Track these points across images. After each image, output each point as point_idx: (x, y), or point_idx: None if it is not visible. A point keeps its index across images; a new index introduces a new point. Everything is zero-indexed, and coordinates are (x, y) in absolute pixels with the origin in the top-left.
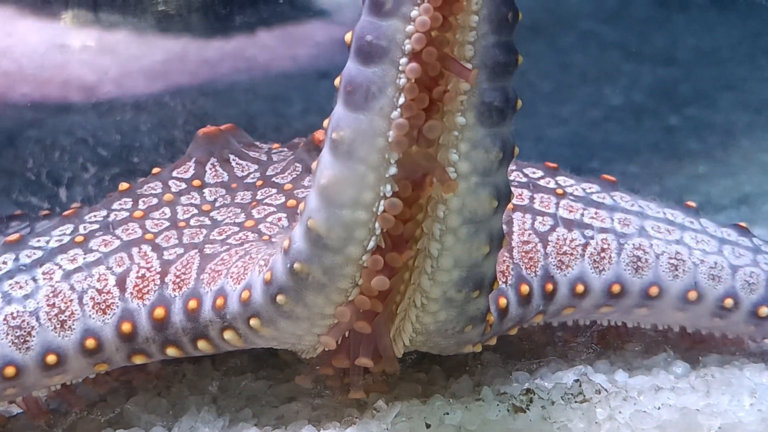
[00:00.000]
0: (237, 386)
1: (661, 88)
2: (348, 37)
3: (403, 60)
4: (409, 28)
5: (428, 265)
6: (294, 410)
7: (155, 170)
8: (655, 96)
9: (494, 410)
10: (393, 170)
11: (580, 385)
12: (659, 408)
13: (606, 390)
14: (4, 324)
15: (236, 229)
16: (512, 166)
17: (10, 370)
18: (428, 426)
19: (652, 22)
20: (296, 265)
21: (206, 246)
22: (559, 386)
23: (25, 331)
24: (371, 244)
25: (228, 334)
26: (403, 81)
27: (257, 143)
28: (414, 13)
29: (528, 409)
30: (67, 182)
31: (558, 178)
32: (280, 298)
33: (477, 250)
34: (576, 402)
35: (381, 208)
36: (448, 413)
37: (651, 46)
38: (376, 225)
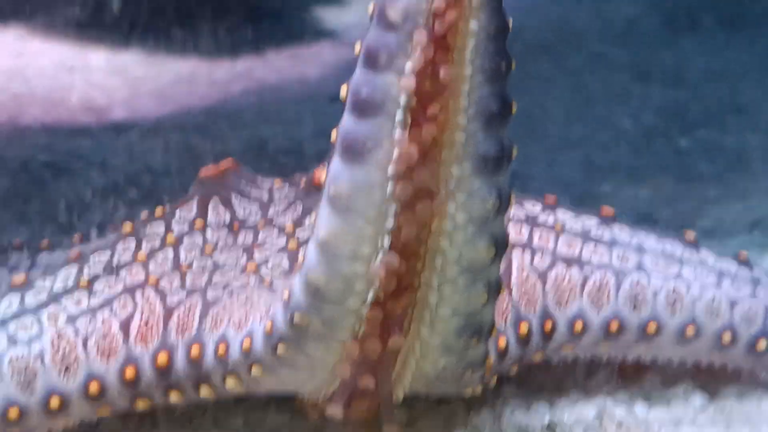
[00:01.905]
0: (261, 420)
1: (671, 110)
2: (343, 90)
3: (399, 113)
4: (404, 81)
5: (426, 314)
6: None
7: (158, 211)
8: (665, 118)
9: None
10: (391, 223)
11: (601, 420)
12: None
13: (627, 425)
14: (9, 366)
15: (238, 272)
16: None
17: (13, 412)
18: None
19: (661, 44)
20: (296, 317)
21: (208, 290)
22: (580, 421)
23: (30, 374)
24: (370, 295)
25: (230, 381)
26: (398, 133)
27: (258, 178)
28: (408, 66)
29: None
30: (77, 208)
31: (557, 212)
32: (280, 348)
33: (475, 299)
34: None
35: (379, 261)
36: None
37: (660, 68)
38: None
